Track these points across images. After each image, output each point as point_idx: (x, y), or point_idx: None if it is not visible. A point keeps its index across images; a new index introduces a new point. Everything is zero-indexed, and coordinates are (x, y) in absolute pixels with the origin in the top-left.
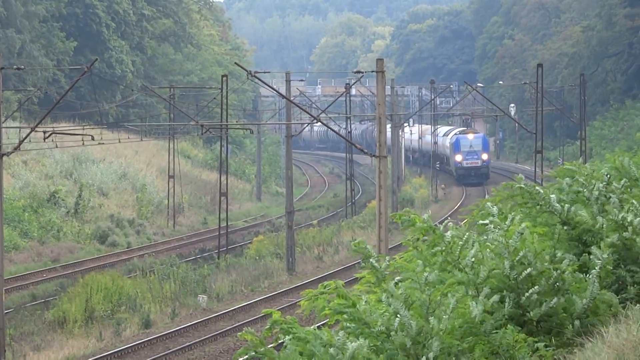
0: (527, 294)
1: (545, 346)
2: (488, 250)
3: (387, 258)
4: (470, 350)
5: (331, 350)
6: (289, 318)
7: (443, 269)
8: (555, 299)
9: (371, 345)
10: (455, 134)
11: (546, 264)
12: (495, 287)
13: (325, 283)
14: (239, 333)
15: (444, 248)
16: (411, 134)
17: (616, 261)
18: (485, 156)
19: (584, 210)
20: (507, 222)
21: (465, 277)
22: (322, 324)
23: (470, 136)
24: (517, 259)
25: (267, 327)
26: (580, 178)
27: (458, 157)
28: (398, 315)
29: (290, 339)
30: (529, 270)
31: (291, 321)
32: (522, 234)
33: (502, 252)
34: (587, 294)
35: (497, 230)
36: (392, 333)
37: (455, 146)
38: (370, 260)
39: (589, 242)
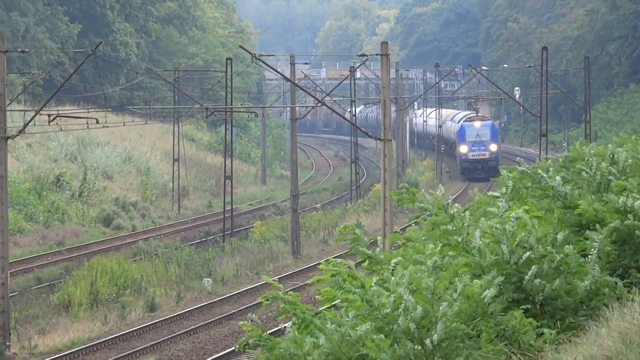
0: (527, 277)
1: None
2: (488, 232)
3: (379, 239)
4: (475, 334)
5: (341, 330)
6: (291, 294)
7: (451, 248)
8: (557, 281)
9: (378, 327)
10: (462, 120)
11: (549, 247)
12: (499, 270)
13: (333, 260)
14: (240, 322)
15: (453, 228)
16: (416, 117)
17: (619, 246)
18: (494, 147)
19: (585, 197)
20: (501, 208)
21: (472, 259)
22: (327, 308)
23: (477, 124)
24: (515, 243)
25: (266, 298)
26: (581, 164)
27: (463, 148)
28: (402, 301)
29: (291, 326)
30: (528, 253)
31: (293, 299)
32: (518, 218)
33: (501, 238)
34: (589, 277)
35: (495, 216)
36: (397, 316)
37: (460, 135)
38: (361, 248)
39: (592, 229)
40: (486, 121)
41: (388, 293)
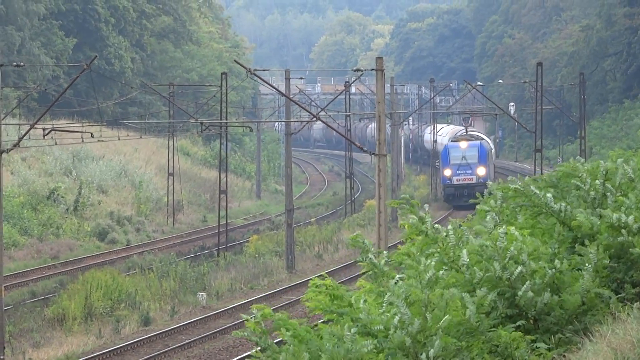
0: (520, 293)
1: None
2: (478, 250)
3: (385, 253)
4: (467, 349)
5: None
6: (279, 314)
7: (439, 269)
8: (547, 295)
9: (373, 343)
10: (448, 141)
11: (541, 262)
12: (492, 287)
13: (318, 282)
14: (234, 332)
15: (438, 249)
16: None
17: (613, 261)
18: (481, 171)
19: (580, 211)
20: (490, 225)
21: (462, 277)
22: (324, 321)
23: (463, 144)
24: (506, 260)
25: (255, 319)
26: (576, 179)
27: (447, 172)
28: (398, 314)
29: (290, 336)
30: (519, 269)
31: (283, 317)
32: (506, 234)
33: (492, 255)
34: (579, 288)
35: (485, 231)
36: (391, 332)
37: (444, 158)
38: (369, 255)
39: (587, 244)
40: (473, 141)
41: (380, 310)
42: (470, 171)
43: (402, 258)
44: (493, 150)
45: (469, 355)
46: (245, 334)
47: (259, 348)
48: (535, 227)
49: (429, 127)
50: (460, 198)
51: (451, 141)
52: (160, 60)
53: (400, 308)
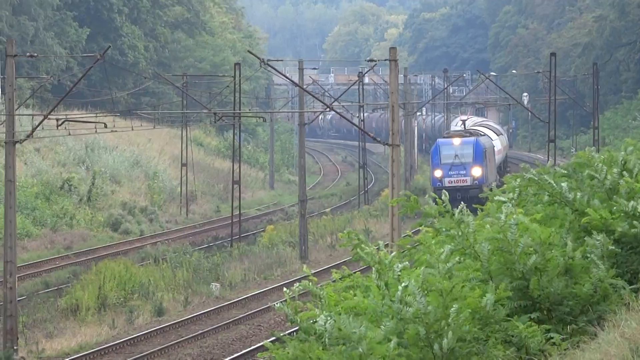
0: (531, 284)
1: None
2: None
3: (381, 244)
4: (483, 338)
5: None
6: (322, 289)
7: (459, 253)
8: (561, 283)
9: (396, 327)
10: (442, 136)
11: (553, 250)
12: (506, 276)
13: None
14: (275, 305)
15: (459, 234)
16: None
17: (627, 251)
18: (477, 171)
19: (592, 202)
20: (503, 215)
21: (478, 266)
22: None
23: (456, 141)
24: (519, 250)
25: (300, 287)
26: (590, 170)
27: (437, 173)
28: (405, 305)
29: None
30: (534, 258)
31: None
32: (517, 224)
33: (503, 246)
34: (593, 276)
35: (495, 222)
36: (412, 320)
37: (434, 156)
38: (362, 252)
39: (595, 233)
40: (468, 138)
41: (407, 292)
42: (464, 172)
43: (414, 245)
44: (496, 148)
45: (485, 345)
46: (279, 304)
47: (295, 329)
48: (550, 216)
49: (457, 118)
50: (453, 203)
51: (443, 137)
52: (173, 50)
53: (417, 296)
